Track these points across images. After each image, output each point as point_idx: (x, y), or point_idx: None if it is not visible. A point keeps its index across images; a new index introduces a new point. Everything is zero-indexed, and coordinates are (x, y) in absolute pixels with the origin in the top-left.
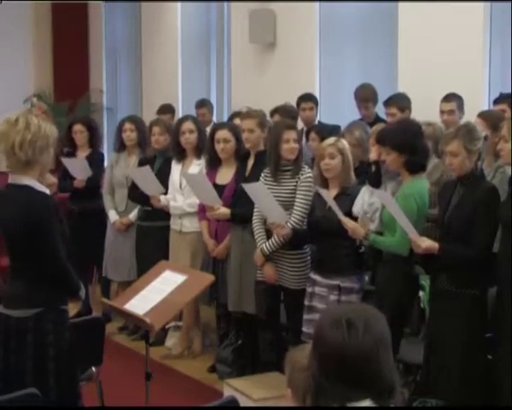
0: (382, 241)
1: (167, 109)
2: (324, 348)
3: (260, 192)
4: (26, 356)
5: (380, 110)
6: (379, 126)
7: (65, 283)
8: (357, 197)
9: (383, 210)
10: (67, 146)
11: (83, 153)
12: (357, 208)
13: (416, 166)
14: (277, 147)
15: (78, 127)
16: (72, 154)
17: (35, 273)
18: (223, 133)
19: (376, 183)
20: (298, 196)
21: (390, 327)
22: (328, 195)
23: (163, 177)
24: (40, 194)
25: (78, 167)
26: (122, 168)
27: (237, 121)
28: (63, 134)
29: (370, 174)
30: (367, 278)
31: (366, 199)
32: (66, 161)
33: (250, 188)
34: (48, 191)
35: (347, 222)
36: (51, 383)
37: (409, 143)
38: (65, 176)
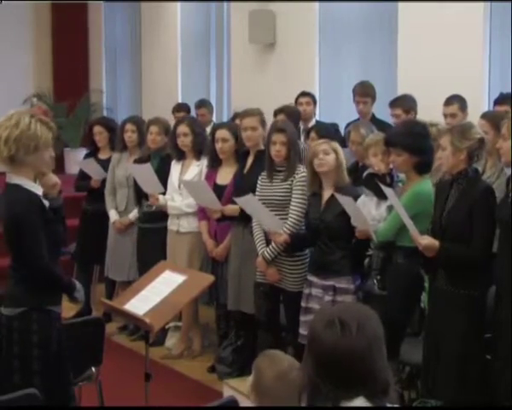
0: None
1: (180, 108)
2: (318, 348)
3: (252, 204)
4: (12, 355)
5: (376, 111)
6: (378, 136)
7: (51, 283)
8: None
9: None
10: (89, 148)
11: (104, 155)
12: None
13: (425, 166)
14: (268, 148)
15: (97, 129)
16: (91, 156)
17: (20, 272)
18: (221, 133)
19: (383, 194)
20: (293, 197)
21: (396, 329)
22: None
23: (161, 177)
24: (25, 193)
25: (92, 168)
26: (123, 169)
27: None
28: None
29: (374, 184)
30: (375, 281)
31: (373, 212)
32: (81, 164)
33: (242, 201)
34: (39, 191)
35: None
36: (36, 383)
37: (420, 144)
38: (83, 176)
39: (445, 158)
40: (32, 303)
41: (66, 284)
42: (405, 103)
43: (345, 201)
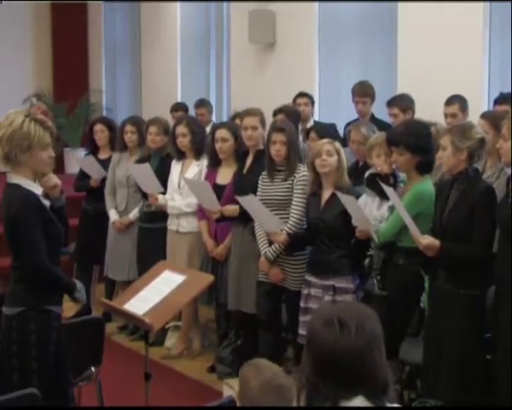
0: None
1: (179, 107)
2: (317, 347)
3: (253, 203)
4: (11, 354)
5: (375, 110)
6: (382, 137)
7: (50, 283)
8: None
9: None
10: (89, 147)
11: (104, 155)
12: (362, 223)
13: (427, 166)
14: (268, 148)
15: (98, 127)
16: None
17: (20, 272)
18: (221, 132)
19: (386, 194)
20: (294, 197)
21: (396, 329)
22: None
23: (161, 177)
24: (23, 192)
25: (92, 167)
26: (123, 169)
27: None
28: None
29: (377, 184)
30: (375, 281)
31: (375, 212)
32: (79, 162)
33: (243, 200)
34: (38, 191)
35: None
36: (35, 382)
37: (422, 144)
38: (83, 176)
39: (446, 158)
40: (30, 303)
41: (66, 284)
42: (402, 103)
43: (346, 200)
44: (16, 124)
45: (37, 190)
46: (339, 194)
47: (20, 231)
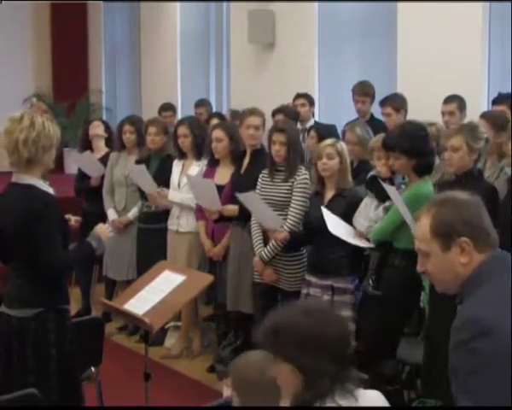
0: None
1: (168, 107)
2: None
3: (254, 201)
4: (27, 356)
5: (375, 110)
6: (380, 140)
7: (63, 282)
8: (358, 210)
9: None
10: (84, 148)
11: (99, 153)
12: (360, 222)
13: (425, 168)
14: (269, 148)
15: (97, 123)
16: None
17: (34, 273)
18: (216, 133)
19: (386, 196)
20: (294, 197)
21: (393, 330)
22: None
23: (161, 178)
24: (42, 192)
25: (90, 164)
26: (122, 168)
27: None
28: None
29: (376, 187)
30: (371, 281)
31: (371, 213)
32: (77, 160)
33: (243, 197)
34: (51, 191)
35: None
36: (53, 383)
37: (418, 147)
38: (81, 177)
39: (459, 158)
40: (48, 303)
41: (85, 255)
42: (395, 102)
43: (330, 219)
44: (38, 125)
45: (50, 190)
46: (324, 211)
47: (39, 232)
